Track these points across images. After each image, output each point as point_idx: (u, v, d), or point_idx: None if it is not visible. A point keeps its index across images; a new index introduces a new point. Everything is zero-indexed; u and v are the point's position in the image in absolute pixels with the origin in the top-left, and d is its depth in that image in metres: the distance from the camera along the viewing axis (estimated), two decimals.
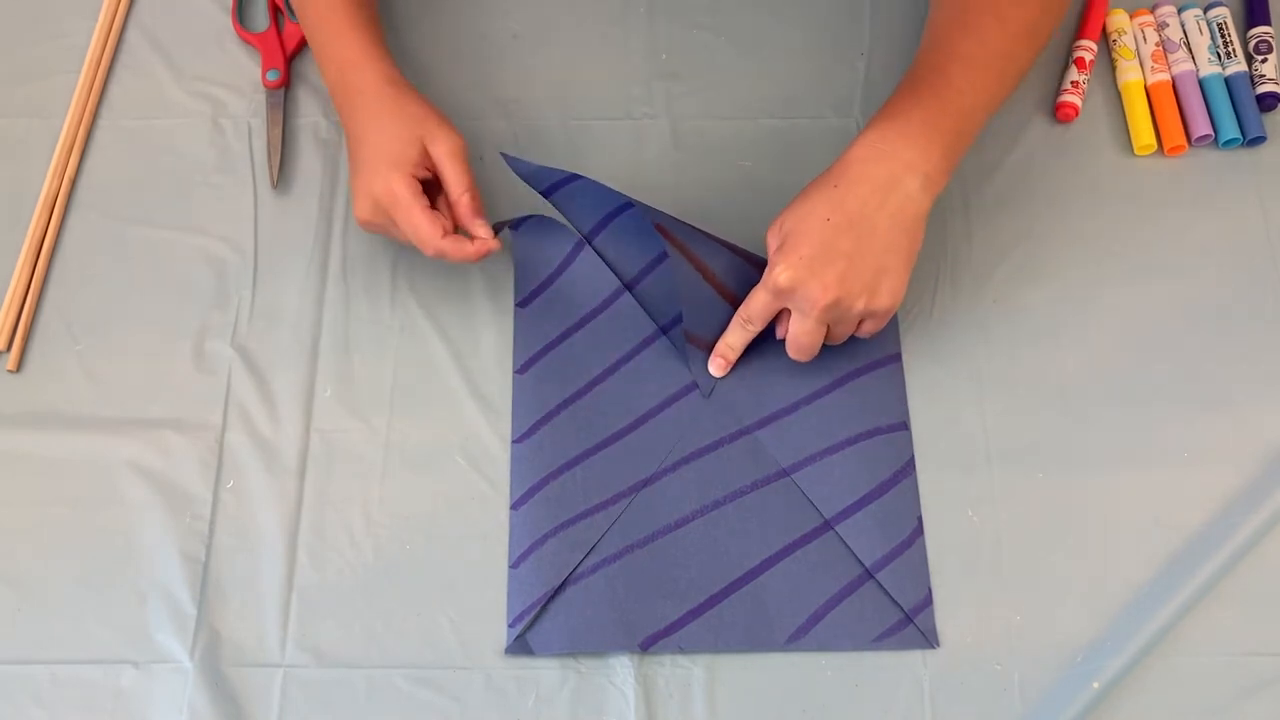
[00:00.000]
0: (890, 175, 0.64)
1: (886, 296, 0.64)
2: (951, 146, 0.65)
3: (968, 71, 0.66)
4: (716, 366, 0.70)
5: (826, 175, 0.65)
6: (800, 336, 0.67)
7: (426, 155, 0.68)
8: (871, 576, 0.66)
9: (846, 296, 0.63)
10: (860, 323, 0.67)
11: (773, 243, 0.66)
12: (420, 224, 0.66)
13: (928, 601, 0.65)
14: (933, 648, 0.65)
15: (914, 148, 0.64)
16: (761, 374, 0.71)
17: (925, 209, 0.64)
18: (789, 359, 0.69)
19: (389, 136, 0.68)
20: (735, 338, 0.70)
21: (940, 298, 0.74)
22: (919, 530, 0.67)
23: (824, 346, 0.68)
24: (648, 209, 0.69)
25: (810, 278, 0.63)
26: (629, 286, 0.73)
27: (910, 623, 0.65)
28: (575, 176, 0.70)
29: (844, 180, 0.64)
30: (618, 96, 0.81)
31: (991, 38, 0.66)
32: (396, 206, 0.67)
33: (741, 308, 0.68)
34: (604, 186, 0.69)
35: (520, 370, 0.71)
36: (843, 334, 0.67)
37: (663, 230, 0.68)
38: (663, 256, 0.72)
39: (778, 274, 0.64)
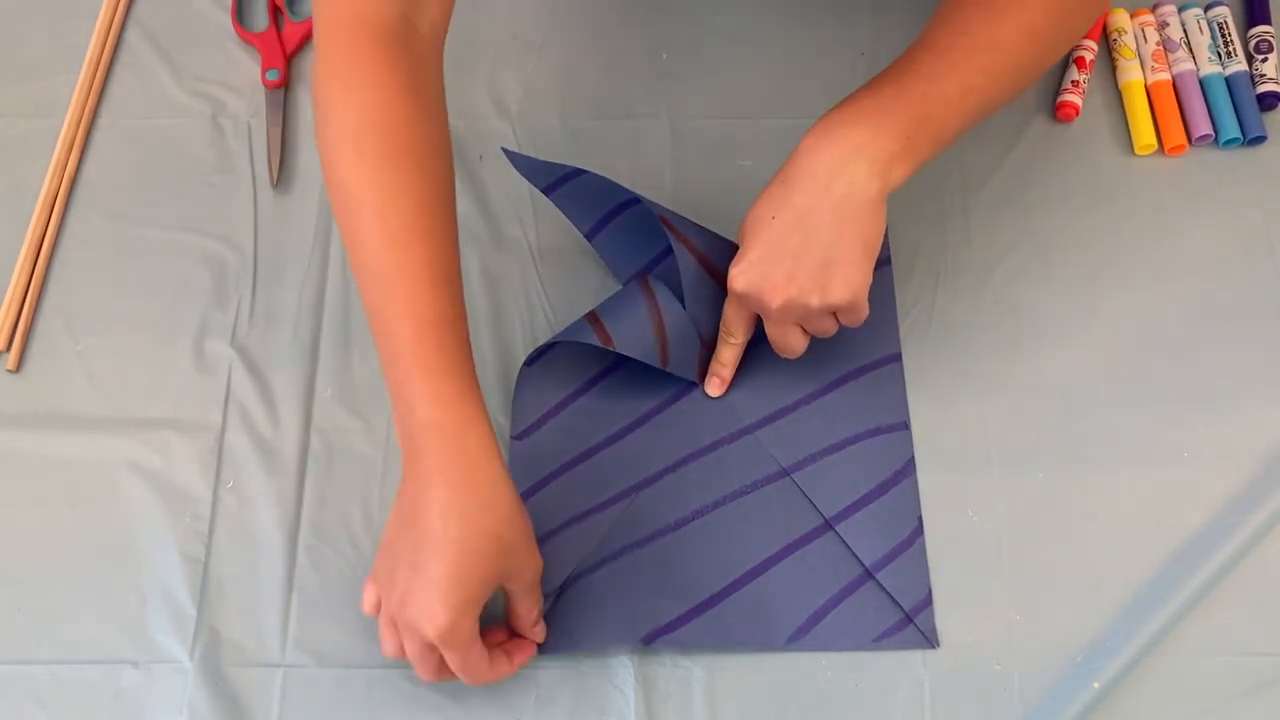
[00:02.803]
0: (833, 163, 0.61)
1: (841, 289, 0.62)
2: (908, 130, 0.61)
3: (940, 58, 0.63)
4: (713, 387, 0.70)
5: (779, 171, 0.64)
6: (775, 339, 0.66)
7: (498, 587, 0.60)
8: (871, 576, 0.66)
9: (798, 295, 0.62)
10: (835, 315, 0.64)
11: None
12: (479, 663, 0.58)
13: (928, 601, 0.65)
14: (933, 648, 0.65)
15: (861, 131, 0.61)
16: (761, 374, 0.71)
17: (874, 193, 0.61)
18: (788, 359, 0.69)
19: (470, 569, 0.56)
20: (724, 354, 0.69)
21: (940, 298, 0.74)
22: (919, 530, 0.67)
23: (821, 344, 0.68)
24: (651, 203, 0.69)
25: (761, 280, 0.62)
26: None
27: (910, 623, 0.65)
28: (578, 171, 0.70)
29: (789, 175, 0.62)
30: (618, 96, 0.81)
31: (978, 29, 0.63)
32: (455, 646, 0.57)
33: (721, 322, 0.68)
34: (606, 180, 0.69)
35: (527, 364, 0.71)
36: (823, 329, 0.65)
37: (667, 224, 0.68)
38: (665, 254, 0.72)
39: (731, 280, 0.64)
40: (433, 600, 0.56)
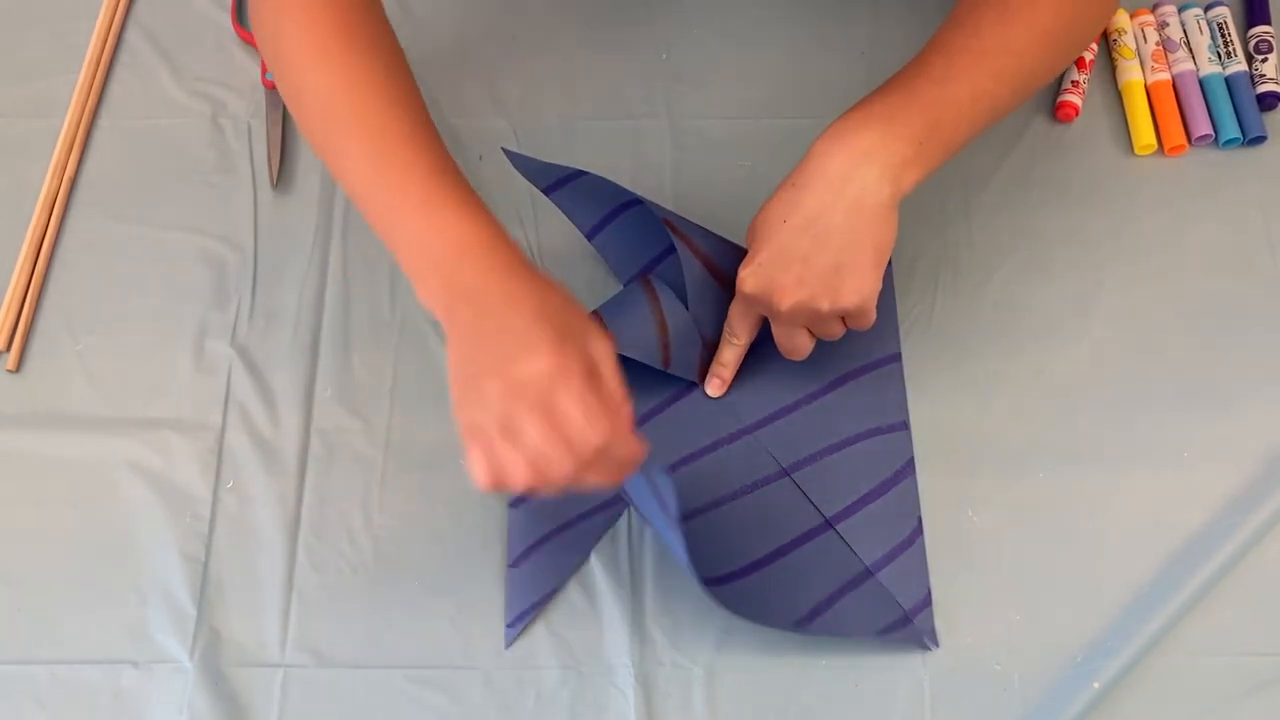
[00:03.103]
0: (845, 167, 0.61)
1: (851, 294, 0.61)
2: (921, 135, 0.61)
3: (951, 61, 0.63)
4: (713, 387, 0.70)
5: (790, 174, 0.63)
6: (781, 340, 0.66)
7: (585, 337, 0.56)
8: (871, 576, 0.66)
9: (809, 299, 0.62)
10: (843, 319, 0.65)
11: (748, 247, 0.65)
12: (603, 397, 0.53)
13: (927, 601, 0.65)
14: (933, 648, 0.65)
15: (873, 135, 0.61)
16: (761, 374, 0.71)
17: (886, 197, 0.60)
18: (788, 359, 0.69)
19: (553, 307, 0.55)
20: (725, 354, 0.69)
21: (940, 298, 0.74)
22: (919, 530, 0.67)
23: (823, 344, 0.68)
24: (653, 204, 0.69)
25: (770, 283, 0.62)
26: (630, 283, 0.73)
27: (910, 623, 0.65)
28: (579, 173, 0.70)
29: (801, 177, 0.62)
30: (618, 96, 0.81)
31: (989, 33, 0.63)
32: (574, 372, 0.53)
33: (726, 323, 0.68)
34: (607, 181, 0.69)
35: None
36: (829, 332, 0.65)
37: (670, 225, 0.68)
38: (666, 253, 0.72)
39: (740, 282, 0.64)
40: (533, 333, 0.53)
